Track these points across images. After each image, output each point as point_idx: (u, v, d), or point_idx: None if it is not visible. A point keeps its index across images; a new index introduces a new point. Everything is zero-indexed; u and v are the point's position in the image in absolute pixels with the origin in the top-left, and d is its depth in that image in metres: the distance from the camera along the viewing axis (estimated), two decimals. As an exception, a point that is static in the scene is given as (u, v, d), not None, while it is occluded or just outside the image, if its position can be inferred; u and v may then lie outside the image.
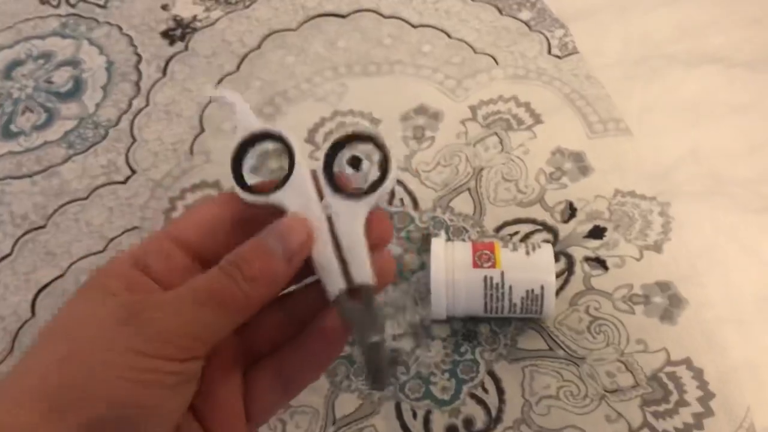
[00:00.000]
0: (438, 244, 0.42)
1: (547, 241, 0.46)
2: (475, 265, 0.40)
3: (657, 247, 0.45)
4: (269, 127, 0.28)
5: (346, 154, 0.28)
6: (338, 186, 0.27)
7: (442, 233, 0.41)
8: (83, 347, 0.25)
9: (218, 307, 0.26)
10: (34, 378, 0.25)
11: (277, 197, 0.27)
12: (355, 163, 0.48)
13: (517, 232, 0.47)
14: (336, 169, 0.27)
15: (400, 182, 0.49)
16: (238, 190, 0.27)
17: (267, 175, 0.48)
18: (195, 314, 0.26)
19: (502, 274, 0.40)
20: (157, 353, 0.25)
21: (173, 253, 0.29)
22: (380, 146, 0.27)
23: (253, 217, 0.29)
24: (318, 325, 0.29)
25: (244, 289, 0.26)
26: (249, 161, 0.28)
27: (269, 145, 0.28)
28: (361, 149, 0.34)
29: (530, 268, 0.40)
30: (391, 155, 0.27)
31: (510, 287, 0.40)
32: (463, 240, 0.46)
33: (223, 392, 0.29)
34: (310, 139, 0.51)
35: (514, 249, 0.41)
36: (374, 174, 0.29)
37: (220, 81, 0.54)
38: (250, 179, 0.28)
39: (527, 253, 0.41)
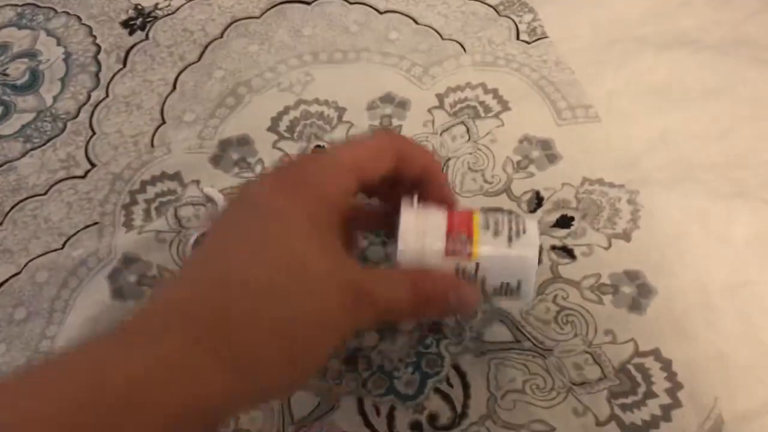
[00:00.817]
0: (407, 218, 0.34)
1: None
2: (448, 253, 0.34)
3: (626, 236, 0.44)
4: None
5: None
6: None
7: (415, 200, 0.35)
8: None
9: (366, 307, 0.29)
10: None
11: None
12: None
13: (484, 222, 0.46)
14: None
15: (366, 173, 0.48)
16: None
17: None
18: (354, 306, 0.28)
19: (477, 266, 0.34)
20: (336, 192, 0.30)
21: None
22: None
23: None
24: None
25: (402, 308, 0.30)
26: None
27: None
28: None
29: (510, 262, 0.34)
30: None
31: (483, 279, 0.35)
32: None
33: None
34: (272, 127, 0.50)
35: (496, 233, 0.34)
36: None
37: (181, 71, 0.52)
38: None
39: (510, 239, 0.34)
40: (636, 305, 0.42)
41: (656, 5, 0.54)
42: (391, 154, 0.32)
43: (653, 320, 0.42)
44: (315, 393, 0.41)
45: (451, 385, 0.40)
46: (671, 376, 0.40)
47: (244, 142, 0.50)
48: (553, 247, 0.44)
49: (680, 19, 0.53)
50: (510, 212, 0.35)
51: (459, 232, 0.34)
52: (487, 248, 0.34)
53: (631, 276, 0.43)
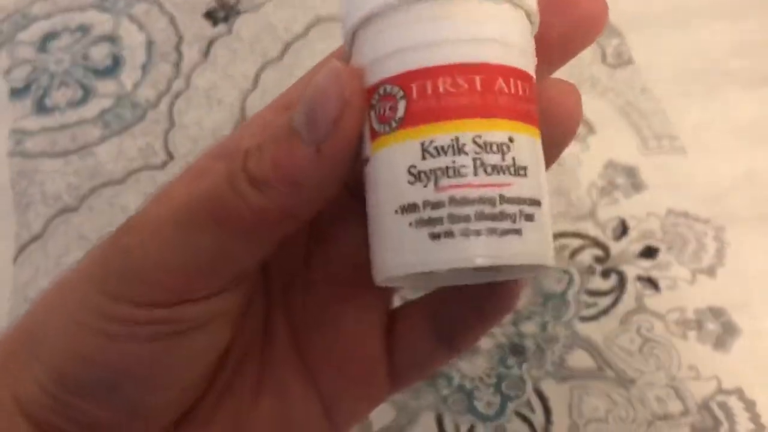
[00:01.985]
0: None
1: (598, 259, 0.45)
2: None
3: (710, 272, 0.44)
4: None
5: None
6: None
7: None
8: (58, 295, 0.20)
9: (215, 227, 0.18)
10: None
11: None
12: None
13: (567, 246, 0.45)
14: None
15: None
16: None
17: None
18: (181, 238, 0.19)
19: None
20: (124, 295, 0.19)
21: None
22: None
23: None
24: None
25: (251, 202, 0.18)
26: None
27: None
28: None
29: None
30: None
31: None
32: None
33: (353, 329, 0.23)
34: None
35: None
36: None
37: (263, 68, 0.52)
38: None
39: None
40: (720, 343, 0.42)
41: (745, 39, 0.53)
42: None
43: (737, 359, 0.41)
44: (392, 406, 0.40)
45: (532, 410, 0.40)
46: (755, 418, 0.40)
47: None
48: (639, 278, 0.44)
49: (769, 55, 0.53)
50: None
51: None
52: None
53: (716, 313, 0.43)
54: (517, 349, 0.42)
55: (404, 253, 0.18)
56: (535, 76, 0.19)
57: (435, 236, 0.17)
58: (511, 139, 0.17)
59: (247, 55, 0.53)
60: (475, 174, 0.17)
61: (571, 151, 0.48)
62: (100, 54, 0.52)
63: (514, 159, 0.17)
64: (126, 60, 0.52)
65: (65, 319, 0.19)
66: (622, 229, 0.46)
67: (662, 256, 0.45)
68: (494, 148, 0.17)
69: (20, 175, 0.48)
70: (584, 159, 0.48)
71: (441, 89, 0.17)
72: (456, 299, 0.22)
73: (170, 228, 0.19)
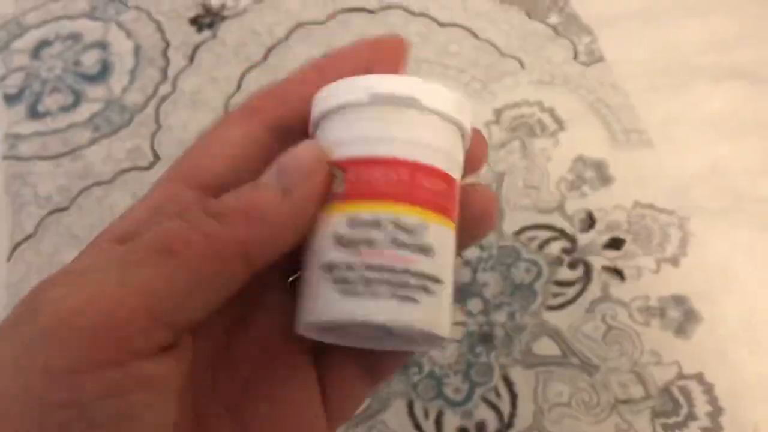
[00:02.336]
0: None
1: (566, 250, 0.46)
2: None
3: (674, 261, 0.46)
4: None
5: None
6: None
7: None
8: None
9: (166, 260, 0.18)
10: None
11: None
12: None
13: (535, 237, 0.47)
14: None
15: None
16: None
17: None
18: (126, 278, 0.18)
19: None
20: (66, 365, 0.17)
21: (187, 205, 0.21)
22: None
23: (296, 128, 0.23)
24: None
25: (205, 229, 0.18)
26: None
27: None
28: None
29: None
30: None
31: None
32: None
33: (292, 384, 0.23)
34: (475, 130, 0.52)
35: None
36: None
37: (246, 72, 0.54)
38: None
39: None
40: (682, 329, 0.43)
41: (713, 35, 0.55)
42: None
43: (698, 345, 0.43)
44: (367, 393, 0.42)
45: (499, 395, 0.42)
46: (713, 401, 0.41)
47: (304, 144, 0.51)
48: (604, 268, 0.46)
49: (737, 50, 0.54)
50: None
51: None
52: None
53: (678, 301, 0.44)
54: (486, 338, 0.44)
55: (319, 304, 0.21)
56: (458, 180, 0.23)
57: (346, 293, 0.20)
58: (423, 225, 0.21)
59: (231, 58, 0.55)
60: (388, 247, 0.20)
61: (541, 146, 0.50)
62: (90, 60, 0.54)
63: (423, 241, 0.21)
64: (115, 66, 0.54)
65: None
66: (590, 222, 0.47)
67: (628, 247, 0.46)
68: (407, 228, 0.21)
69: (14, 178, 0.50)
70: (554, 154, 0.50)
71: (373, 176, 0.21)
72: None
73: (103, 270, 0.18)
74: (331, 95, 0.22)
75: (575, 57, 0.55)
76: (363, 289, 0.20)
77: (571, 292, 0.45)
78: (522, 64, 0.55)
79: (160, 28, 0.56)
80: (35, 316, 0.18)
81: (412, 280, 0.20)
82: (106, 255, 0.19)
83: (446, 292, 0.22)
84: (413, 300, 0.20)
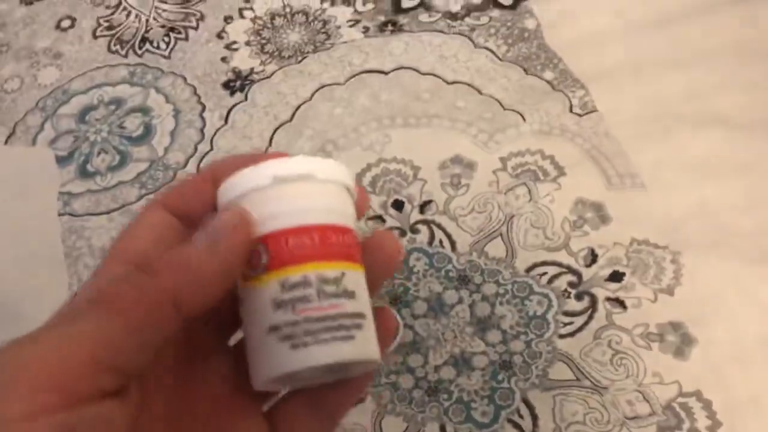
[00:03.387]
0: None
1: (572, 284, 0.52)
2: None
3: (670, 291, 0.51)
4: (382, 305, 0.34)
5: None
6: None
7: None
8: None
9: (104, 312, 0.20)
10: None
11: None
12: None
13: (545, 273, 0.52)
14: None
15: (438, 225, 0.55)
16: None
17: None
18: (69, 330, 0.20)
19: None
20: (19, 412, 0.19)
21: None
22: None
23: (196, 218, 0.26)
24: None
25: (136, 281, 0.21)
26: None
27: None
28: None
29: None
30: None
31: None
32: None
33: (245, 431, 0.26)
34: (357, 182, 0.57)
35: None
36: None
37: (276, 129, 0.60)
38: None
39: None
40: (680, 352, 0.49)
41: (695, 86, 0.61)
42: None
43: (695, 366, 0.48)
44: (403, 419, 0.47)
45: (521, 417, 0.47)
46: (711, 415, 0.46)
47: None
48: (608, 299, 0.51)
49: (716, 99, 0.60)
50: None
51: None
52: None
53: (675, 327, 0.50)
54: (507, 365, 0.49)
55: (273, 362, 0.24)
56: (354, 229, 0.27)
57: (295, 346, 0.24)
58: (342, 274, 0.25)
59: (262, 117, 0.61)
60: (319, 300, 0.24)
61: (545, 190, 0.56)
62: (133, 123, 0.60)
63: (345, 287, 0.25)
64: (156, 128, 0.60)
65: None
66: (592, 258, 0.53)
67: (627, 279, 0.52)
68: (330, 280, 0.25)
69: (70, 232, 0.55)
70: (557, 197, 0.56)
71: (291, 244, 0.25)
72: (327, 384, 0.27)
73: (49, 326, 0.21)
74: (237, 184, 0.25)
75: (570, 109, 0.61)
76: (308, 339, 0.24)
77: (579, 321, 0.50)
78: (523, 117, 0.61)
79: (195, 92, 0.62)
80: None
81: (346, 321, 0.25)
82: (52, 317, 0.22)
83: (371, 323, 0.26)
84: (351, 337, 0.25)
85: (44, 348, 0.20)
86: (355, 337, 0.25)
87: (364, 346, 0.25)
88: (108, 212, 0.56)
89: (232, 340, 0.29)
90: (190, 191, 0.27)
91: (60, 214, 0.56)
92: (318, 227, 0.25)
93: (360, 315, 0.25)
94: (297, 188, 0.25)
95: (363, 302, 0.26)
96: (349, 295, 0.25)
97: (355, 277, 0.26)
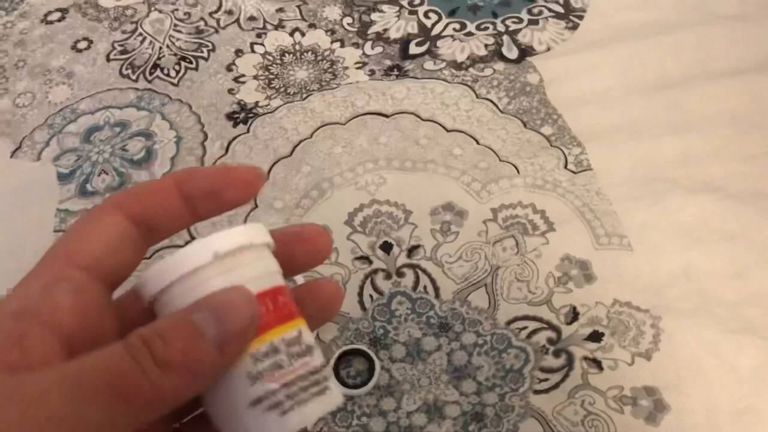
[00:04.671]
0: None
1: (551, 340, 0.52)
2: None
3: (647, 355, 0.51)
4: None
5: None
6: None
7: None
8: None
9: (111, 399, 0.19)
10: None
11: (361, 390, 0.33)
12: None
13: (525, 327, 0.53)
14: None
15: (424, 270, 0.56)
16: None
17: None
18: (69, 410, 0.19)
19: None
20: None
21: (81, 284, 0.23)
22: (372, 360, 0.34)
23: (151, 223, 0.25)
24: None
25: (152, 378, 0.20)
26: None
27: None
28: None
29: None
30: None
31: None
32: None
33: None
34: (348, 221, 0.58)
35: None
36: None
37: (274, 163, 0.61)
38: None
39: None
40: (651, 418, 0.49)
41: (689, 151, 0.62)
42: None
43: (666, 433, 0.48)
44: (370, 462, 0.47)
45: (488, 469, 0.47)
46: (678, 484, 0.46)
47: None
48: (585, 358, 0.51)
49: (709, 166, 0.61)
50: None
51: None
52: None
53: (649, 392, 0.50)
54: (478, 416, 0.49)
55: None
56: (284, 283, 0.27)
57: (284, 413, 0.24)
58: (299, 332, 0.26)
59: (262, 151, 0.62)
60: (290, 363, 0.25)
61: (533, 244, 0.57)
62: (135, 147, 0.61)
63: (306, 343, 0.26)
64: (158, 152, 0.61)
65: None
66: (573, 315, 0.53)
67: (606, 340, 0.52)
68: (293, 341, 0.25)
69: (63, 249, 0.56)
70: (544, 252, 0.56)
71: None
72: None
73: (56, 398, 0.19)
74: (171, 269, 0.24)
75: (565, 165, 0.62)
76: (291, 403, 0.24)
77: (555, 378, 0.51)
78: (517, 169, 0.62)
79: (199, 121, 0.63)
80: None
81: (317, 376, 0.25)
82: (54, 379, 0.19)
83: (330, 367, 0.28)
84: (328, 388, 0.26)
85: (50, 426, 0.19)
86: (329, 386, 0.26)
87: (336, 391, 0.26)
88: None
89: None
90: (150, 197, 0.26)
91: (55, 231, 0.57)
92: (268, 293, 0.25)
93: (323, 365, 0.26)
94: (238, 260, 0.25)
95: (318, 352, 0.27)
96: (311, 350, 0.26)
97: (306, 330, 0.27)
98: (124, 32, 0.69)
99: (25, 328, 0.21)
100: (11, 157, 0.61)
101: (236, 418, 0.25)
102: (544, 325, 0.53)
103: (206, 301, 0.22)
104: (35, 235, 0.57)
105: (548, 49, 0.69)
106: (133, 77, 0.66)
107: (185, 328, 0.21)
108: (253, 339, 0.24)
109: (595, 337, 0.52)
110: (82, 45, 0.68)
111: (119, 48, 0.68)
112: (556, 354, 0.52)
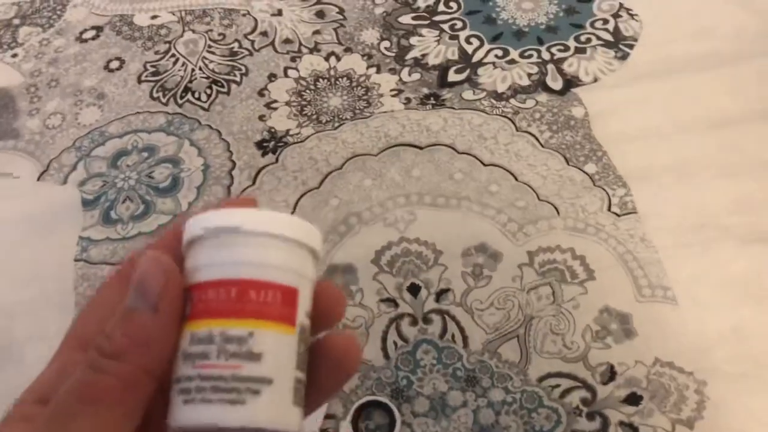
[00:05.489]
0: None
1: (585, 401, 0.49)
2: None
3: (689, 424, 0.48)
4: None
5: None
6: None
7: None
8: None
9: (89, 407, 0.22)
10: None
11: None
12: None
13: (558, 385, 0.50)
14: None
15: (453, 317, 0.53)
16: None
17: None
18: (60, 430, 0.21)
19: None
20: None
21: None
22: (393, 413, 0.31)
23: None
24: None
25: (113, 371, 0.22)
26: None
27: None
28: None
29: None
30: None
31: None
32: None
33: None
34: (375, 260, 0.56)
35: None
36: None
37: (302, 196, 0.59)
38: None
39: None
40: (692, 494, 0.45)
41: (743, 198, 0.58)
42: None
43: None
44: None
45: None
46: None
47: (349, 270, 0.55)
48: (621, 423, 0.48)
49: (765, 215, 0.57)
50: None
51: None
52: None
53: (691, 464, 0.46)
54: (503, 481, 0.46)
55: (173, 412, 0.24)
56: (298, 287, 0.25)
57: (186, 402, 0.23)
58: (251, 334, 0.24)
59: (290, 182, 0.60)
60: (218, 358, 0.23)
61: (570, 294, 0.53)
62: (162, 174, 0.60)
63: (250, 348, 0.24)
64: (184, 181, 0.59)
65: None
66: (610, 375, 0.50)
67: (645, 404, 0.48)
68: (235, 340, 0.24)
69: (83, 279, 0.55)
70: (582, 302, 0.53)
71: (209, 296, 0.24)
72: None
73: (39, 427, 0.21)
74: (186, 230, 0.25)
75: (609, 207, 0.58)
76: (197, 396, 0.23)
77: (587, 443, 0.47)
78: (557, 210, 0.58)
79: (228, 148, 0.61)
80: None
81: (240, 385, 0.23)
82: (39, 416, 0.22)
83: (281, 390, 0.25)
84: (241, 402, 0.23)
85: None
86: (245, 402, 0.24)
87: (262, 412, 0.24)
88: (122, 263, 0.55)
89: None
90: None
91: (76, 260, 0.56)
92: (236, 282, 0.24)
93: (262, 380, 0.24)
94: (226, 240, 0.25)
95: (271, 366, 0.24)
96: (254, 357, 0.24)
97: (268, 339, 0.24)
98: (157, 53, 0.68)
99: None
100: (38, 179, 0.60)
101: (170, 387, 0.25)
102: (579, 384, 0.50)
103: (132, 279, 0.23)
104: (56, 263, 0.56)
105: (595, 80, 0.66)
106: (164, 100, 0.64)
107: (119, 314, 0.23)
108: (181, 297, 0.24)
109: (633, 400, 0.49)
110: (114, 65, 0.67)
111: (151, 69, 0.66)
112: (590, 417, 0.48)
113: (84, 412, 0.21)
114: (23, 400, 0.24)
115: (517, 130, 0.63)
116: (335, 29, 0.70)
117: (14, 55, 0.67)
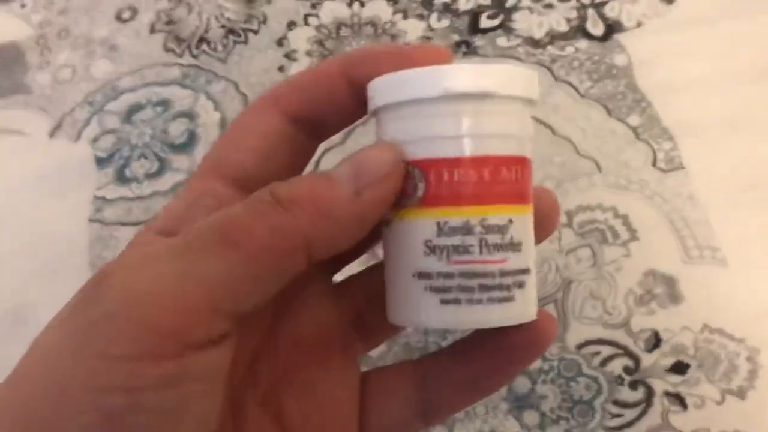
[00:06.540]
0: None
1: (628, 370, 0.46)
2: None
3: (740, 394, 0.45)
4: None
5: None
6: None
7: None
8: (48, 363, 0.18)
9: (223, 249, 0.18)
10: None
11: None
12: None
13: (599, 353, 0.47)
14: None
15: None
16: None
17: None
18: (178, 266, 0.18)
19: None
20: (119, 347, 0.17)
21: (225, 198, 0.21)
22: None
23: (316, 119, 0.22)
24: None
25: (270, 220, 0.18)
26: None
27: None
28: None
29: None
30: None
31: None
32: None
33: (329, 392, 0.23)
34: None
35: None
36: None
37: (324, 152, 0.55)
38: None
39: None
40: (743, 469, 0.42)
41: (800, 153, 0.53)
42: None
43: (759, 488, 0.42)
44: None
45: None
46: None
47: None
48: (666, 393, 0.45)
49: (824, 171, 0.52)
50: None
51: None
52: None
53: (742, 437, 0.43)
54: (540, 454, 0.43)
55: (419, 313, 0.21)
56: (529, 156, 0.22)
57: (445, 302, 0.21)
58: (510, 221, 0.21)
59: (311, 137, 0.56)
60: (480, 252, 0.21)
61: (612, 256, 0.50)
62: (177, 129, 0.57)
63: (512, 237, 0.21)
64: (201, 137, 0.56)
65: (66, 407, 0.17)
66: (655, 342, 0.47)
67: (692, 373, 0.45)
68: (496, 229, 0.21)
69: (97, 240, 0.53)
70: (624, 265, 0.50)
71: (455, 177, 0.21)
72: (449, 371, 0.24)
73: (164, 258, 0.18)
74: (398, 86, 0.21)
75: (654, 163, 0.54)
76: (462, 297, 0.21)
77: (629, 414, 0.44)
78: (598, 166, 0.54)
79: (246, 102, 0.58)
80: (97, 301, 0.18)
81: (507, 280, 0.21)
82: (164, 244, 0.19)
83: (533, 276, 0.22)
84: (510, 299, 0.21)
85: (159, 284, 0.18)
86: (514, 298, 0.21)
87: (523, 305, 0.22)
88: (137, 223, 0.53)
89: (339, 276, 0.25)
90: (314, 88, 0.23)
91: (90, 220, 0.53)
92: (491, 159, 0.21)
93: (524, 271, 0.22)
94: (472, 107, 0.21)
95: (529, 253, 0.22)
96: (515, 247, 0.21)
97: (523, 224, 0.22)
98: (170, 1, 0.64)
99: None
100: (51, 136, 0.58)
101: (398, 278, 0.22)
102: (621, 351, 0.47)
103: (351, 156, 0.20)
104: (70, 223, 0.53)
105: (639, 25, 0.61)
106: (178, 51, 0.61)
107: (317, 177, 0.19)
108: (395, 196, 0.21)
109: (680, 368, 0.46)
110: (126, 15, 0.63)
111: (164, 18, 0.63)
112: (633, 386, 0.45)
113: (214, 252, 0.18)
114: (145, 233, 0.22)
115: (555, 80, 0.58)
116: (359, -27, 0.66)
117: (23, 6, 0.63)
